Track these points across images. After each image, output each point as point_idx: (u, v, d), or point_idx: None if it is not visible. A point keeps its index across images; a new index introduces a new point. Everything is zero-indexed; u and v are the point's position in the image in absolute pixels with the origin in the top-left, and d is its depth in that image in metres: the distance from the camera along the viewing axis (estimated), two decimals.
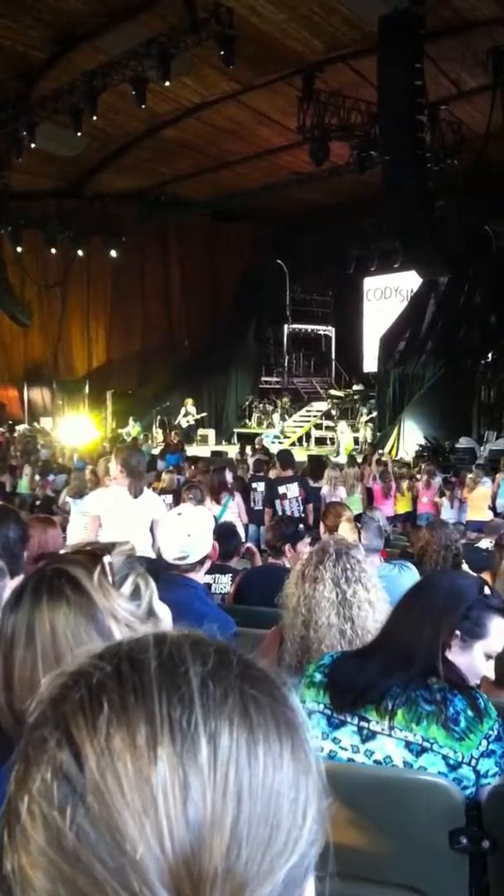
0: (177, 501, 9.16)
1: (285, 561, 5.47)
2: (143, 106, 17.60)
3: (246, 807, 0.56)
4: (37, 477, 15.64)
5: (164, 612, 1.49)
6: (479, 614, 2.16)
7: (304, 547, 5.21)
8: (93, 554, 1.41)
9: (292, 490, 9.80)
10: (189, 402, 26.83)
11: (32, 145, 19.73)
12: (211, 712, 0.58)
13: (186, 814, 0.54)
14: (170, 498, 10.50)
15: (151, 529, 6.00)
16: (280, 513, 9.68)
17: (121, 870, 0.52)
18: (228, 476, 9.78)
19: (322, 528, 6.28)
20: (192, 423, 26.12)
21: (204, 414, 27.32)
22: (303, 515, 9.77)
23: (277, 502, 9.77)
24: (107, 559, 1.38)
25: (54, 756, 0.56)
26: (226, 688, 0.59)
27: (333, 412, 26.61)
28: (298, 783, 0.59)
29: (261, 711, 0.59)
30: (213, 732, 0.57)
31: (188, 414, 26.39)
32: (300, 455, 17.22)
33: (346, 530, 5.00)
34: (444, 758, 2.04)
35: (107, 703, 0.58)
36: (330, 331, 31.80)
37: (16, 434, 24.19)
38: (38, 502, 12.51)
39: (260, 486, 11.06)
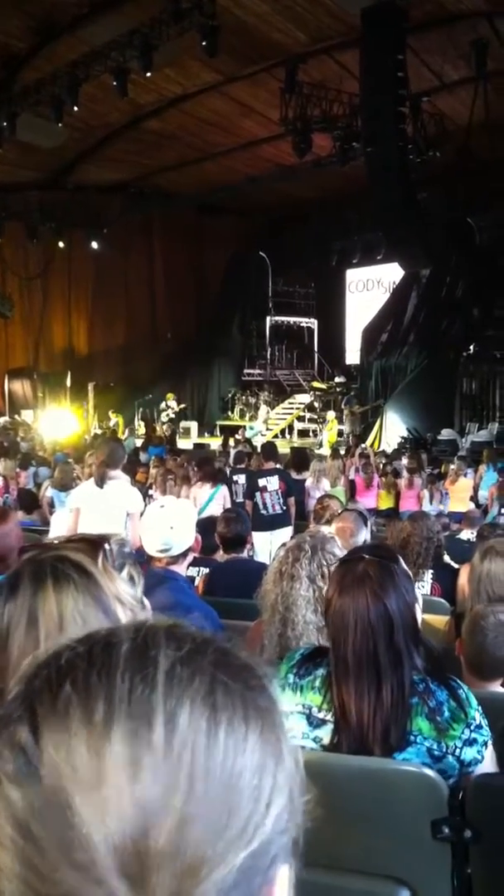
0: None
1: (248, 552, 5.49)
2: (125, 97, 17.54)
3: (199, 788, 0.55)
4: (17, 469, 15.55)
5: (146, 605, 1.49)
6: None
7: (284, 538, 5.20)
8: (92, 541, 1.41)
9: (272, 483, 9.73)
10: (170, 396, 26.83)
11: (14, 136, 19.62)
12: (173, 693, 0.58)
13: (135, 792, 0.54)
14: (158, 493, 10.54)
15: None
16: (260, 505, 9.66)
17: (69, 845, 0.53)
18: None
19: (312, 519, 6.29)
20: (172, 416, 26.06)
21: (183, 405, 27.26)
22: (284, 509, 9.74)
23: (257, 495, 9.72)
24: (106, 546, 1.39)
25: (15, 731, 0.57)
26: (194, 671, 0.59)
27: (316, 404, 26.64)
28: (264, 769, 0.59)
29: (228, 695, 0.59)
30: (171, 712, 0.57)
31: (168, 408, 26.36)
32: (283, 447, 17.26)
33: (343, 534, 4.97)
34: (429, 749, 2.05)
35: (69, 681, 0.59)
36: (312, 323, 31.83)
37: None
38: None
39: (241, 479, 11.04)
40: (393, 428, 21.57)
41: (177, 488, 10.26)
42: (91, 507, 6.10)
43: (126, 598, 1.34)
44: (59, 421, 24.59)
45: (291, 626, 2.66)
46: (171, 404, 26.40)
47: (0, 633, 1.31)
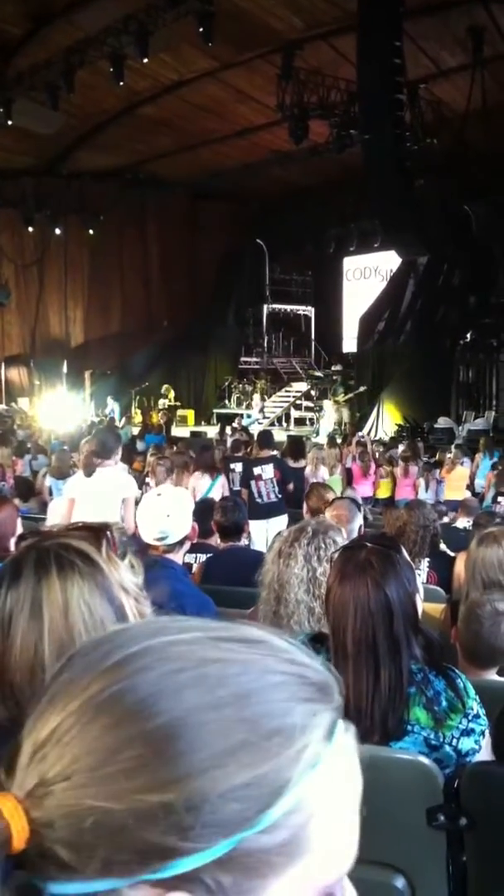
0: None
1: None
2: (121, 83, 17.45)
3: None
4: (14, 457, 15.52)
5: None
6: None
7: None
8: (95, 529, 1.40)
9: (267, 471, 9.71)
10: (167, 388, 26.83)
11: (9, 122, 19.52)
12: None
13: None
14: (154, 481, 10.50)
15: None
16: (256, 494, 9.64)
17: None
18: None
19: (305, 508, 6.29)
20: (167, 406, 26.05)
21: (178, 404, 27.19)
22: (279, 497, 9.72)
23: (252, 483, 9.70)
24: (109, 534, 1.38)
25: None
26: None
27: (313, 392, 26.60)
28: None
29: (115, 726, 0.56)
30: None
31: (166, 397, 26.36)
32: (279, 435, 17.25)
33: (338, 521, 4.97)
34: (426, 739, 2.05)
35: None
36: (309, 311, 31.73)
37: None
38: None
39: (238, 467, 11.02)
40: (389, 416, 21.56)
41: (174, 477, 10.21)
42: (83, 497, 6.12)
43: (130, 587, 1.34)
44: (58, 408, 24.54)
45: (284, 604, 2.68)
46: (170, 396, 26.44)
47: (1, 621, 1.30)
